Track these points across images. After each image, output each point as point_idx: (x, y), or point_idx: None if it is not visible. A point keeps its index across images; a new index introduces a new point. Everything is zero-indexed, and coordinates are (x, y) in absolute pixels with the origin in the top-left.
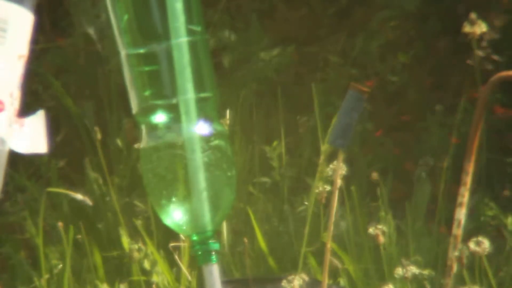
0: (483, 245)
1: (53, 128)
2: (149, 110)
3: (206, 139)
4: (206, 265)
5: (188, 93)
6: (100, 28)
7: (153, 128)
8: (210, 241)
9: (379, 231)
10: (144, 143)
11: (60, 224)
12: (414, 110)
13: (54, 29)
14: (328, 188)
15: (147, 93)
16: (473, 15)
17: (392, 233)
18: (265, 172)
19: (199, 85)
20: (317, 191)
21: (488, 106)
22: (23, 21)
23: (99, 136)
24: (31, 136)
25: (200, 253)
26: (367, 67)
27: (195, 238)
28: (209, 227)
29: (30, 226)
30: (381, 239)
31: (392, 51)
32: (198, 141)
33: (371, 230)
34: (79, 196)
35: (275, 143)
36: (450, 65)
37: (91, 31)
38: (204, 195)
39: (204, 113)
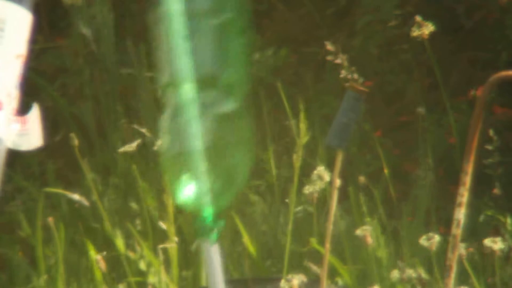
0: (497, 244)
1: (52, 128)
2: (176, 85)
3: (226, 117)
4: (207, 242)
5: (208, 72)
6: (96, 28)
7: (176, 104)
8: (214, 219)
9: (367, 232)
10: (166, 119)
11: (50, 219)
12: (413, 110)
13: (53, 29)
14: (318, 187)
15: (176, 68)
16: (418, 18)
17: (389, 234)
18: (258, 175)
19: (226, 63)
20: (307, 192)
21: (487, 106)
22: (22, 21)
23: (76, 142)
24: (32, 133)
25: (205, 228)
26: (366, 67)
27: (203, 213)
28: (221, 202)
29: (28, 226)
30: (369, 240)
31: (391, 51)
32: (215, 119)
33: (358, 231)
34: (75, 197)
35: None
36: (448, 65)
37: (86, 31)
38: (216, 173)
39: (229, 90)
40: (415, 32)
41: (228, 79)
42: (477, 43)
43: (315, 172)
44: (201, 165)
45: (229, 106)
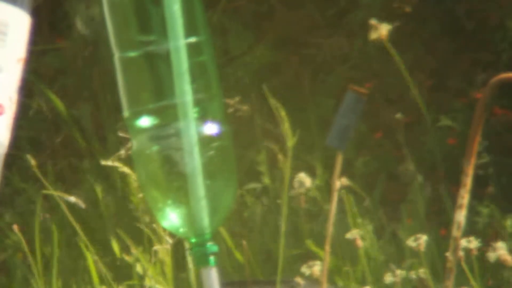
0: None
1: (51, 130)
2: (142, 113)
3: (208, 140)
4: (204, 268)
5: (186, 96)
6: (95, 30)
7: (146, 130)
8: (208, 244)
9: (357, 235)
10: (137, 146)
11: (14, 225)
12: (413, 112)
13: (52, 31)
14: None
15: (140, 96)
16: (372, 22)
17: (387, 236)
18: (253, 176)
19: (202, 85)
20: (294, 195)
21: (487, 108)
22: (22, 24)
23: (33, 162)
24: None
25: (198, 255)
26: (366, 69)
27: (193, 240)
28: (207, 229)
29: (26, 228)
30: (360, 243)
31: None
32: (197, 143)
33: (349, 234)
34: (72, 199)
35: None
36: (449, 66)
37: (86, 32)
38: (203, 197)
39: (209, 114)
40: (373, 35)
41: (205, 102)
42: (477, 45)
43: (296, 178)
44: (186, 190)
45: (209, 129)
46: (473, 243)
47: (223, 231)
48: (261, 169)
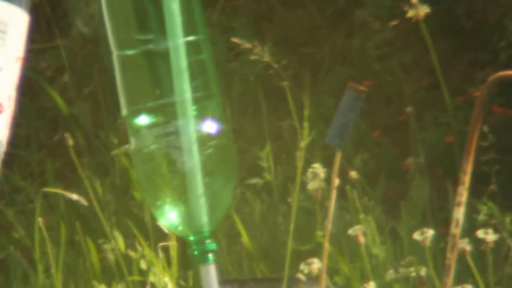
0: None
1: (51, 128)
2: (140, 111)
3: (207, 139)
4: (203, 265)
5: (185, 94)
6: (95, 28)
7: (145, 129)
8: (207, 241)
9: (359, 231)
10: (135, 144)
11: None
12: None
13: (52, 29)
14: (318, 185)
15: (138, 94)
16: (412, 0)
17: (387, 234)
18: (254, 173)
19: (201, 83)
20: (311, 188)
21: (486, 106)
22: (21, 23)
23: (71, 142)
24: None
25: (197, 253)
26: (365, 68)
27: (192, 238)
28: (206, 227)
29: (26, 226)
30: (362, 239)
31: (390, 51)
32: (196, 141)
33: (350, 231)
34: (74, 196)
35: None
36: (448, 65)
37: (85, 31)
38: (202, 195)
39: (208, 112)
40: (410, 13)
41: (204, 100)
42: (476, 44)
43: (310, 170)
44: (184, 188)
45: (208, 127)
46: (491, 235)
47: (221, 229)
48: (263, 165)
